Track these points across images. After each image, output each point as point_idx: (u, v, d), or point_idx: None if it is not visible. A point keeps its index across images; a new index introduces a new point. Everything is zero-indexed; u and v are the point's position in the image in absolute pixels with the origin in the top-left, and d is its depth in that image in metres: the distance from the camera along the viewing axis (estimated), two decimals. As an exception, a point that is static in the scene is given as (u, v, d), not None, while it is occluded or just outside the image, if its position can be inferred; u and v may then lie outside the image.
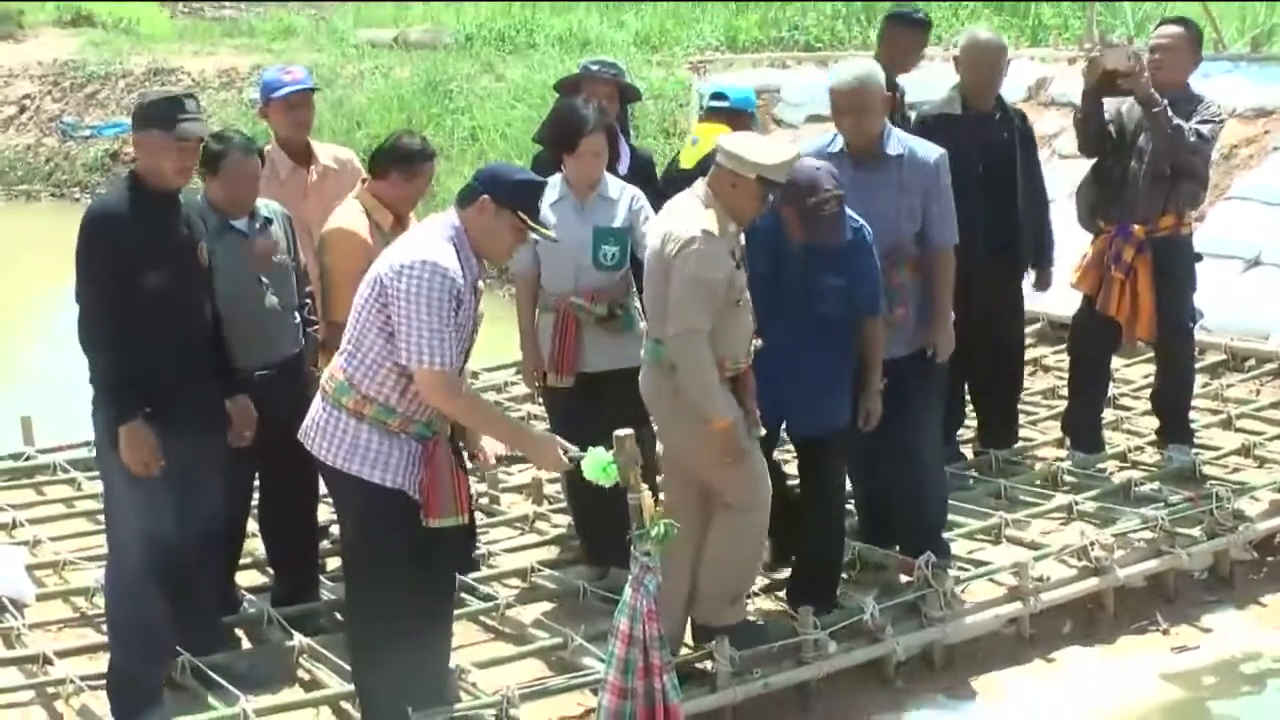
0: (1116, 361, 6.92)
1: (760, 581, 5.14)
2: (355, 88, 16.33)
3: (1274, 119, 9.39)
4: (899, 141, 5.11)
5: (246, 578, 5.43)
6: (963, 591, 5.11)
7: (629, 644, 3.87)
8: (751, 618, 4.89)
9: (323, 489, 4.58)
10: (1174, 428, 6.47)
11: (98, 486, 4.99)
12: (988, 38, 6.13)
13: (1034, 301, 6.77)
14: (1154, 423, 6.64)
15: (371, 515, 4.09)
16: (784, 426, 4.93)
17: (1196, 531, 5.54)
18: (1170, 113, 5.82)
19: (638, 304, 5.19)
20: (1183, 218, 6.15)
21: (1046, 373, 7.84)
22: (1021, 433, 6.72)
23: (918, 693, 4.84)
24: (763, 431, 4.61)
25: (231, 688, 4.43)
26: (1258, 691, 5.00)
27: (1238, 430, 6.81)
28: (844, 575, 5.21)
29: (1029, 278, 6.42)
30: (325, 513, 5.34)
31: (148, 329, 4.24)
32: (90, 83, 19.03)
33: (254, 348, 4.78)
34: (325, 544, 5.54)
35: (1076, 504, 5.87)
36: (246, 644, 4.98)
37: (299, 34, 20.79)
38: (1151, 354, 6.69)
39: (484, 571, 5.47)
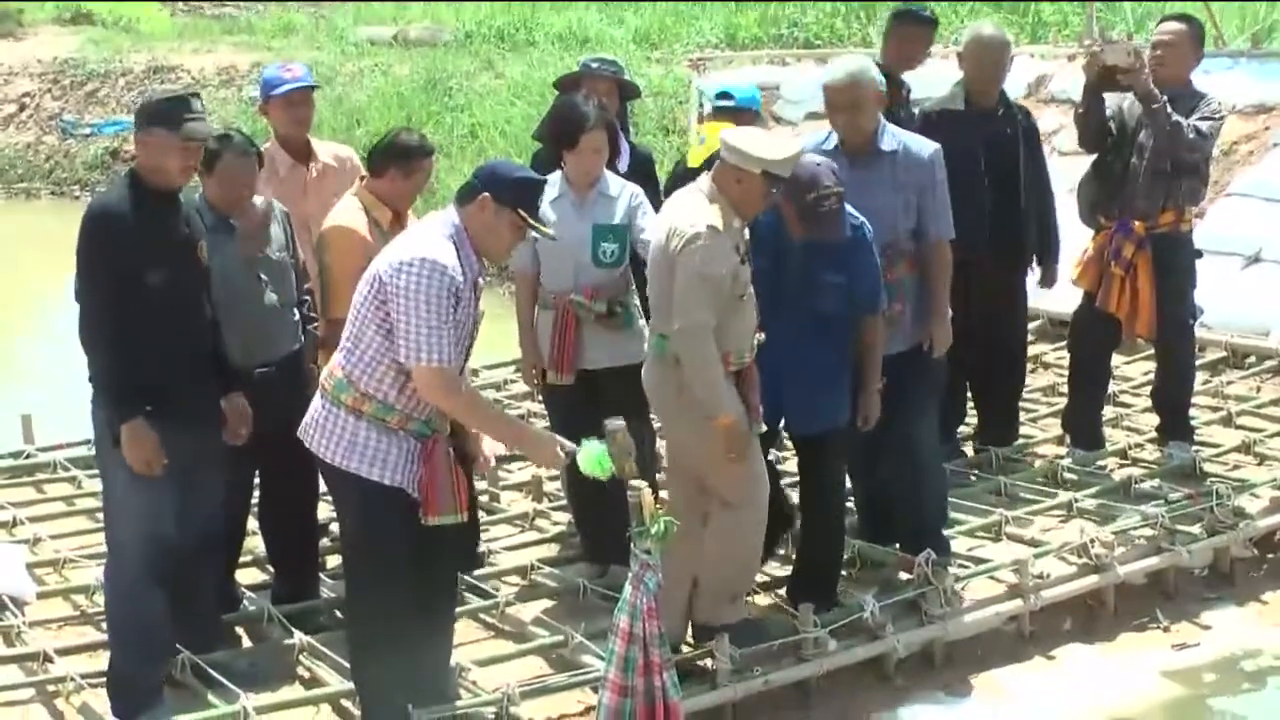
0: (1117, 359, 6.91)
1: (760, 579, 5.13)
2: (355, 85, 16.35)
3: (1274, 115, 9.37)
4: (893, 137, 5.09)
5: (246, 575, 5.43)
6: (963, 589, 5.10)
7: (629, 641, 3.87)
8: (751, 615, 4.88)
9: (323, 486, 4.57)
10: (1174, 425, 6.47)
11: (98, 485, 4.99)
12: (991, 33, 6.13)
13: (1034, 298, 6.77)
14: (1154, 420, 6.64)
15: (370, 513, 4.08)
16: (783, 425, 4.93)
17: (1197, 529, 5.53)
18: (1169, 109, 5.81)
19: (637, 301, 5.19)
20: (1183, 214, 6.15)
21: (1046, 370, 7.85)
22: (1022, 430, 6.73)
23: (918, 690, 4.83)
24: (764, 428, 4.60)
25: (231, 686, 4.42)
26: (1258, 688, 5.00)
27: (1238, 427, 6.81)
28: (844, 573, 5.20)
29: (1033, 274, 6.42)
30: (325, 510, 5.34)
31: (148, 328, 4.24)
32: (90, 81, 19.06)
33: (253, 345, 4.78)
34: (325, 541, 5.54)
35: (1077, 501, 5.87)
36: (246, 642, 4.98)
37: (299, 31, 20.83)
38: (1151, 351, 6.68)
39: (484, 569, 5.47)
